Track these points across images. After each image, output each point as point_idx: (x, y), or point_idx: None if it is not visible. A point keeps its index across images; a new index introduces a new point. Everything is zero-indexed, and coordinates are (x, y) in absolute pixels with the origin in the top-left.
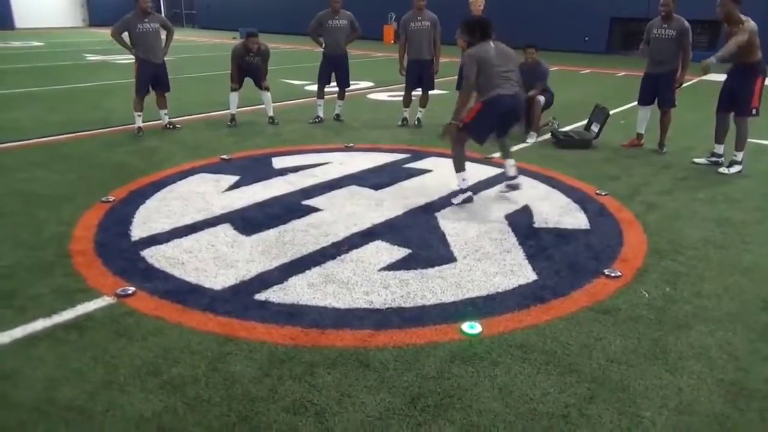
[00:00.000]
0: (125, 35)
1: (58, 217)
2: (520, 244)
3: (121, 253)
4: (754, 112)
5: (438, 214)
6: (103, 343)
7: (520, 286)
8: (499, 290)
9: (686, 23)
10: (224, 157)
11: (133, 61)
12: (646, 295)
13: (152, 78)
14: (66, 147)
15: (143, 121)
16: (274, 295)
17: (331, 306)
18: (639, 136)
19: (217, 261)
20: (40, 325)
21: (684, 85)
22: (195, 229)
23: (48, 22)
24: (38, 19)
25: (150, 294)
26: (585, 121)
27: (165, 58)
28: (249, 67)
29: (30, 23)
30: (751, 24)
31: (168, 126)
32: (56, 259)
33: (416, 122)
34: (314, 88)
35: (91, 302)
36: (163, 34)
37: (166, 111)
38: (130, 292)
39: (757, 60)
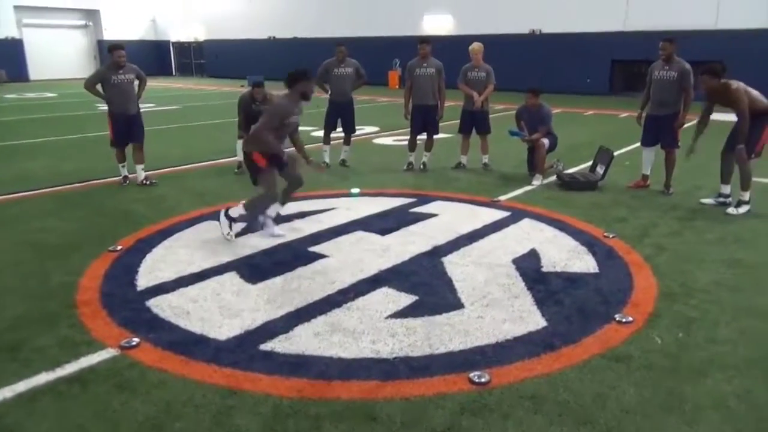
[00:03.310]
0: (100, 87)
1: (66, 266)
2: (528, 289)
3: (127, 304)
4: (753, 155)
5: (445, 259)
6: (105, 397)
7: (529, 333)
8: (509, 338)
9: (687, 65)
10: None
11: (107, 112)
12: (659, 341)
13: (126, 130)
14: (77, 196)
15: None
16: (279, 345)
17: (337, 356)
18: (644, 177)
19: (223, 310)
20: (43, 378)
21: (686, 125)
22: (201, 278)
23: (61, 74)
24: (52, 71)
25: (154, 345)
26: (590, 163)
27: (143, 108)
28: (256, 116)
29: (44, 75)
30: (735, 87)
31: (144, 182)
32: (62, 310)
33: (422, 166)
34: (320, 134)
35: (95, 354)
36: (137, 83)
37: (142, 166)
38: (134, 343)
39: (765, 107)
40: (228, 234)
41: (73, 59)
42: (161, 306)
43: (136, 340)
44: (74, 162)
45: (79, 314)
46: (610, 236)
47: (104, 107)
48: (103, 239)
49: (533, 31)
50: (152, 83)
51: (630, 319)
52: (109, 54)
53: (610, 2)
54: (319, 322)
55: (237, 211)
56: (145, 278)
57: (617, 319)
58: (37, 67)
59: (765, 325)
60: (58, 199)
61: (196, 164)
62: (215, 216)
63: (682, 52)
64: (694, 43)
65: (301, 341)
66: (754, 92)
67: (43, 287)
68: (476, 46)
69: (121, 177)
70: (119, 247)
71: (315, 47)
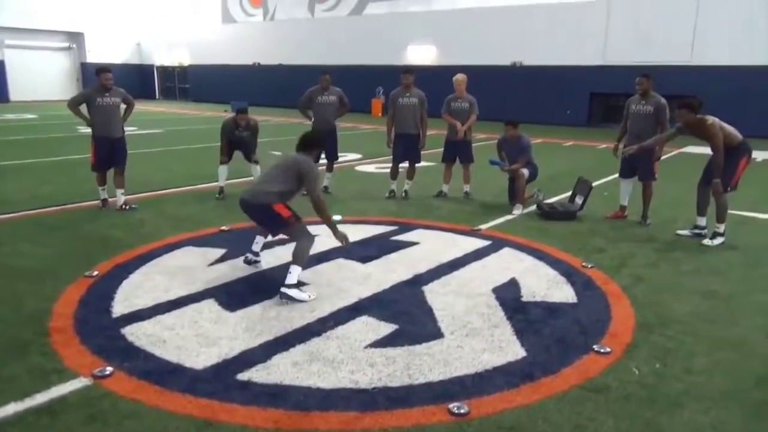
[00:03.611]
0: (84, 107)
1: (39, 292)
2: (508, 318)
3: (101, 331)
4: (729, 189)
5: (425, 288)
6: (75, 428)
7: (509, 363)
8: (488, 368)
9: (663, 100)
10: (224, 228)
11: (90, 134)
12: (637, 372)
13: (109, 154)
14: (54, 220)
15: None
16: (256, 374)
17: (315, 386)
18: (622, 208)
19: (200, 339)
20: (11, 409)
21: (663, 158)
22: (178, 305)
23: (43, 95)
24: (33, 92)
25: (128, 374)
26: (569, 193)
27: (126, 132)
28: (238, 142)
29: (25, 96)
30: (710, 122)
31: (124, 207)
32: (34, 338)
33: (404, 194)
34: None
35: (66, 384)
36: (123, 107)
37: (122, 191)
38: (107, 372)
39: (739, 141)
40: (305, 299)
41: (56, 81)
42: (137, 334)
43: (109, 369)
44: (52, 185)
45: (52, 342)
46: (589, 266)
47: (86, 130)
48: (80, 264)
49: (515, 63)
50: (135, 107)
51: (608, 349)
52: (96, 76)
53: (589, 37)
54: (298, 351)
55: (294, 275)
56: (121, 305)
57: (595, 349)
58: (18, 89)
59: (739, 357)
60: (34, 223)
61: (177, 189)
62: (194, 242)
63: (658, 87)
64: (669, 77)
65: (279, 371)
66: (728, 127)
67: (14, 313)
68: (460, 77)
69: (100, 200)
70: (95, 273)
71: (299, 74)
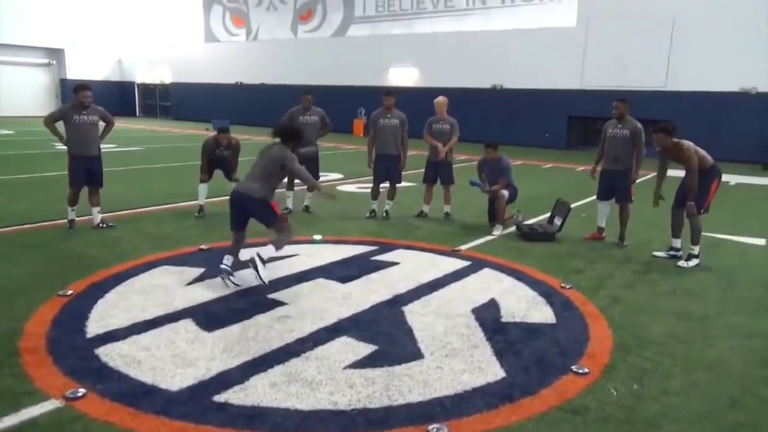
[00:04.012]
0: (60, 124)
1: (10, 312)
2: (487, 339)
3: (74, 351)
4: (702, 211)
5: (405, 308)
6: None
7: (488, 384)
8: (468, 389)
9: (639, 125)
10: (203, 247)
11: (65, 151)
12: (615, 393)
13: (85, 172)
14: (27, 237)
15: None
16: (234, 396)
17: (293, 408)
18: (600, 229)
19: (176, 359)
20: None
21: (638, 181)
22: (154, 325)
23: (21, 111)
24: (11, 108)
25: (101, 396)
26: (548, 214)
27: (104, 149)
28: (219, 160)
29: (2, 112)
30: (686, 146)
31: (101, 225)
32: (4, 358)
33: (384, 214)
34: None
35: (36, 406)
36: (102, 125)
37: (98, 209)
38: (80, 394)
39: (710, 165)
40: (263, 280)
41: (34, 97)
42: (111, 354)
43: (82, 390)
44: (26, 202)
45: (23, 362)
46: (567, 287)
47: (63, 147)
48: (53, 283)
49: (495, 86)
50: (115, 124)
51: (586, 370)
52: (74, 94)
53: (567, 62)
54: (276, 372)
55: (269, 252)
56: (95, 325)
57: (574, 370)
58: None
59: (714, 378)
60: (7, 242)
61: (156, 207)
62: (172, 261)
63: (634, 111)
64: (645, 102)
65: (256, 392)
66: (701, 151)
67: None
68: (441, 99)
69: (67, 220)
70: (70, 292)
71: (281, 94)
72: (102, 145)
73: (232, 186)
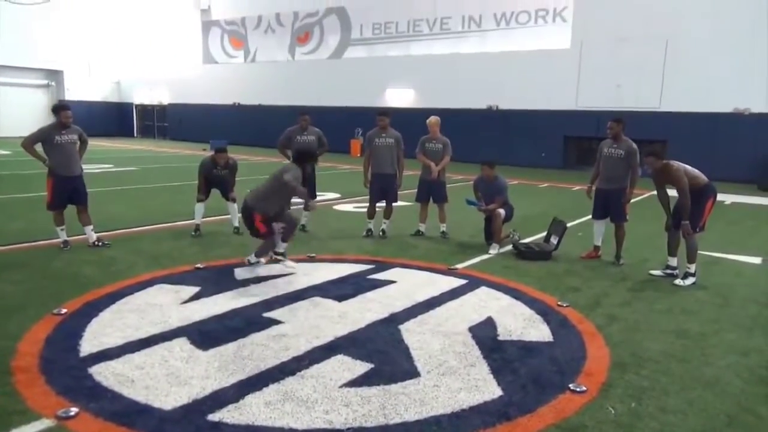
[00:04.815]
0: (39, 146)
1: (3, 330)
2: (484, 357)
3: (68, 370)
4: (698, 229)
5: (402, 327)
6: None
7: (485, 403)
8: (464, 407)
9: (634, 145)
10: (199, 266)
11: (46, 173)
12: (612, 412)
13: (70, 192)
14: (22, 256)
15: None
16: (228, 415)
17: (288, 427)
18: (596, 248)
19: (170, 378)
20: None
21: (633, 200)
22: (149, 344)
23: (18, 131)
24: (10, 129)
25: (94, 415)
26: (545, 233)
27: (99, 169)
28: (216, 180)
29: (1, 132)
30: (675, 167)
31: (97, 243)
32: None
33: (381, 233)
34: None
35: (27, 426)
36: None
37: (91, 227)
38: (72, 413)
39: (704, 183)
40: (293, 266)
41: (33, 117)
42: (104, 373)
43: (74, 409)
44: (22, 221)
45: (15, 381)
46: (564, 305)
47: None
48: (47, 302)
49: (490, 106)
50: (112, 144)
51: (584, 388)
52: (55, 114)
53: (562, 83)
54: (271, 390)
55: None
56: (89, 343)
57: (571, 388)
58: None
59: (712, 396)
60: (2, 260)
61: (152, 226)
62: (168, 279)
63: (628, 131)
64: (640, 123)
65: (251, 411)
66: (693, 170)
67: None
68: (433, 119)
69: (60, 241)
70: (64, 311)
71: (279, 115)
72: (99, 166)
73: (229, 205)
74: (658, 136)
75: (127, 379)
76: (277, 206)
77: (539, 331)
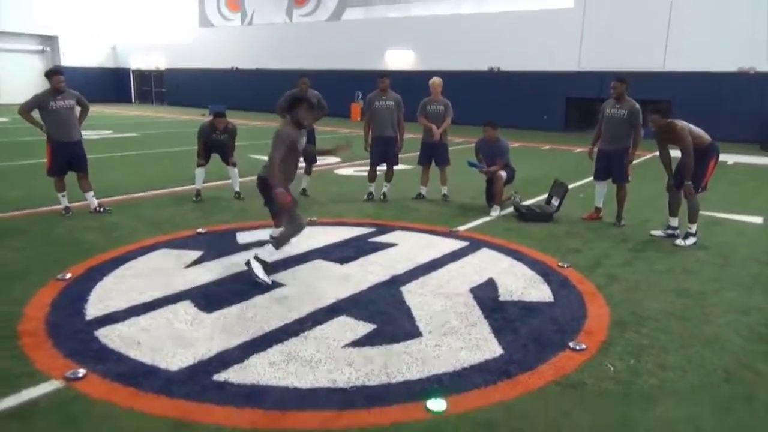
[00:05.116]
0: (36, 113)
1: (8, 296)
2: (485, 317)
3: (74, 334)
4: (700, 189)
5: (403, 288)
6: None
7: (486, 361)
8: (465, 366)
9: (637, 105)
10: (200, 230)
11: (45, 139)
12: (612, 368)
13: (69, 159)
14: (23, 223)
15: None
16: (233, 375)
17: (292, 386)
18: (597, 209)
19: (175, 340)
20: None
21: (635, 161)
22: (153, 307)
23: (15, 98)
24: (6, 95)
25: (102, 377)
26: (546, 195)
27: (83, 136)
28: (216, 144)
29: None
30: (679, 126)
31: (98, 209)
32: (3, 341)
33: (382, 196)
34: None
35: (37, 387)
36: (78, 110)
37: (92, 193)
38: (80, 375)
39: (708, 143)
40: (263, 279)
41: (29, 84)
42: (110, 336)
43: (82, 371)
44: (22, 189)
45: (22, 344)
46: (565, 266)
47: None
48: (51, 268)
49: (492, 68)
50: (111, 110)
51: (583, 346)
52: (48, 79)
53: (565, 43)
54: (275, 351)
55: (266, 253)
56: (94, 307)
57: (571, 346)
58: None
59: (710, 353)
60: (2, 227)
61: (153, 192)
62: (171, 244)
63: (632, 92)
64: (643, 83)
65: (255, 371)
66: (697, 130)
67: None
68: (436, 80)
69: (62, 207)
70: (68, 276)
71: (278, 79)
72: (98, 132)
73: (229, 170)
74: (662, 96)
75: (133, 341)
76: (290, 169)
77: (540, 292)
